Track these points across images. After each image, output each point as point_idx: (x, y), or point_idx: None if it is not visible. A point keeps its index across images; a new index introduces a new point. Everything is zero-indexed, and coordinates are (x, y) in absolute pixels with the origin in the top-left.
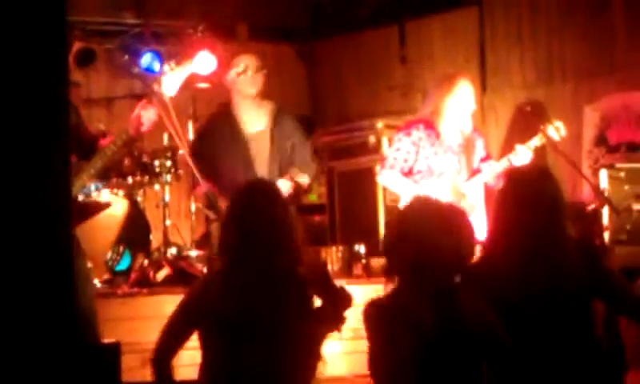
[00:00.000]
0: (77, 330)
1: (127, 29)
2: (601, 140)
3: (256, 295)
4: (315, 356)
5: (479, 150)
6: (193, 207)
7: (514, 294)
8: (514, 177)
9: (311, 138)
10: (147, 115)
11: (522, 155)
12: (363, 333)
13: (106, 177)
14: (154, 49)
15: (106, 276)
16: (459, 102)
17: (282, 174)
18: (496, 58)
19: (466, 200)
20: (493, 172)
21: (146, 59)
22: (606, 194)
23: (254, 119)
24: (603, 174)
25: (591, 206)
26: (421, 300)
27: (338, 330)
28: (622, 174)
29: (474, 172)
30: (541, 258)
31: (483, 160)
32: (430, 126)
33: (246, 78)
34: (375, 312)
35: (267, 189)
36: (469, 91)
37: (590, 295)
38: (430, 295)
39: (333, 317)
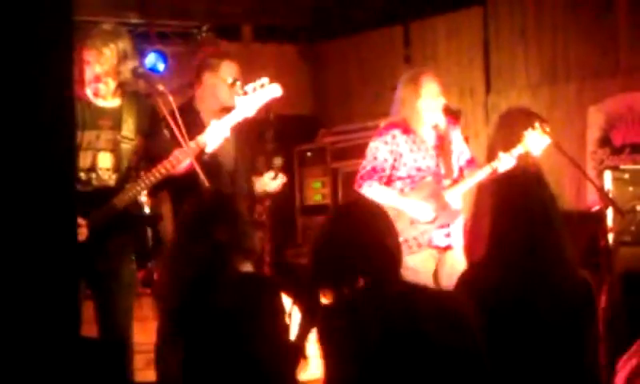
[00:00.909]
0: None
1: (131, 29)
2: (605, 141)
3: None
4: None
5: (457, 143)
6: None
7: (496, 305)
8: (501, 182)
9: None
10: (183, 160)
11: (505, 163)
12: None
13: None
14: (159, 49)
15: None
16: (429, 101)
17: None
18: (500, 58)
19: (449, 207)
20: (475, 180)
21: (151, 59)
22: (611, 196)
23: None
24: (607, 176)
25: (595, 208)
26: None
27: None
28: (627, 176)
29: (455, 180)
30: (530, 267)
31: (468, 163)
32: (406, 130)
33: (230, 90)
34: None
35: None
36: (435, 87)
37: (580, 319)
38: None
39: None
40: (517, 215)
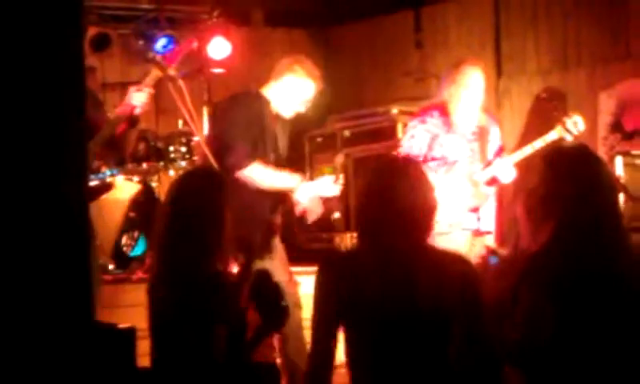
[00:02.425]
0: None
1: (142, 14)
2: (616, 126)
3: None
4: None
5: (494, 139)
6: None
7: (570, 287)
8: (556, 158)
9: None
10: (139, 98)
11: (538, 148)
12: None
13: (120, 162)
14: (169, 34)
15: (121, 261)
16: (469, 90)
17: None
18: (511, 43)
19: (480, 189)
20: (505, 165)
21: (161, 44)
22: (622, 181)
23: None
24: (619, 161)
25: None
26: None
27: None
28: (638, 161)
29: (488, 163)
30: (592, 244)
31: (497, 154)
32: (444, 113)
33: (293, 104)
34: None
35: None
36: (479, 79)
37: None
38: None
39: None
40: (588, 198)
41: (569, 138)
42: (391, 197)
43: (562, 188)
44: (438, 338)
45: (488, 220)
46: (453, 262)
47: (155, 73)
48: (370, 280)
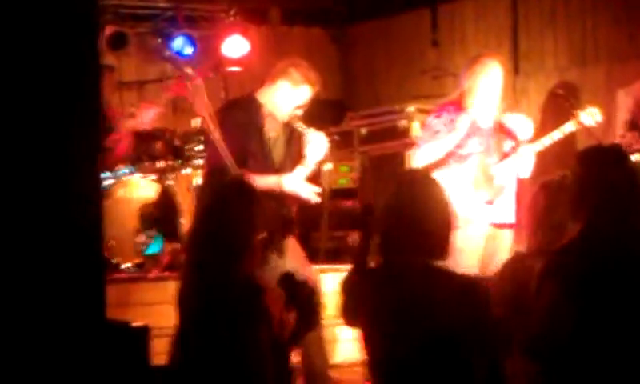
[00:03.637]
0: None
1: (159, 12)
2: (634, 124)
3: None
4: None
5: (512, 132)
6: None
7: (597, 283)
8: (591, 159)
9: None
10: (148, 116)
11: (556, 139)
12: None
13: (137, 160)
14: (186, 32)
15: (137, 260)
16: (489, 80)
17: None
18: (528, 41)
19: (494, 182)
20: (523, 155)
21: (178, 43)
22: None
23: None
24: (636, 159)
25: None
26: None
27: None
28: None
29: (505, 155)
30: (619, 245)
31: (513, 147)
32: (459, 107)
33: (289, 108)
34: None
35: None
36: (497, 72)
37: None
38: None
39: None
40: (617, 190)
41: (588, 126)
42: (409, 214)
43: (593, 188)
44: (448, 360)
45: (506, 212)
46: (466, 285)
47: (166, 96)
48: (384, 298)
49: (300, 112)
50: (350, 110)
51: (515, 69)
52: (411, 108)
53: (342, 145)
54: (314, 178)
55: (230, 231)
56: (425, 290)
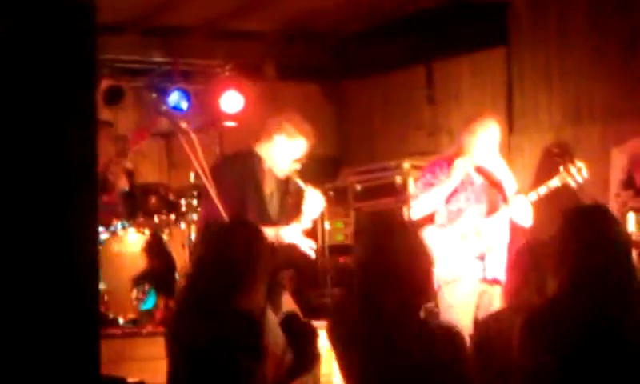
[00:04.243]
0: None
1: (155, 67)
2: (629, 183)
3: None
4: None
5: (502, 186)
6: None
7: (576, 339)
8: (572, 217)
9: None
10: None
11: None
12: None
13: (132, 215)
14: (182, 87)
15: (132, 315)
16: (485, 141)
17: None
18: (523, 98)
19: (484, 237)
20: (514, 207)
21: (174, 97)
22: (634, 238)
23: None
24: (631, 217)
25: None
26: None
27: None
28: None
29: (492, 210)
30: (608, 301)
31: (504, 200)
32: (451, 165)
33: (287, 163)
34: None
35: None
36: (494, 132)
37: None
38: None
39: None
40: (600, 249)
41: (573, 184)
42: (384, 260)
43: (575, 243)
44: None
45: (498, 268)
46: (443, 334)
47: (131, 150)
48: (358, 344)
49: (298, 166)
50: (345, 166)
51: (510, 127)
52: (406, 164)
53: (336, 201)
54: (311, 235)
55: (234, 263)
56: (407, 338)
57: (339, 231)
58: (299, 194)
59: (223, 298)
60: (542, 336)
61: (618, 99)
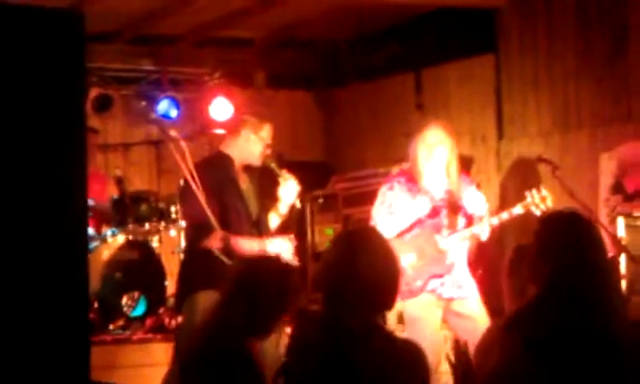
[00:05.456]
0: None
1: (144, 75)
2: (618, 188)
3: None
4: None
5: (467, 201)
6: None
7: (555, 339)
8: (547, 223)
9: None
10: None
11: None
12: None
13: (122, 222)
14: (171, 95)
15: (122, 322)
16: (426, 154)
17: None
18: (512, 105)
19: (444, 257)
20: (477, 230)
21: (163, 105)
22: (623, 243)
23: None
24: (620, 223)
25: (608, 255)
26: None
27: None
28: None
29: (454, 231)
30: (576, 305)
31: (466, 225)
32: (410, 178)
33: (261, 152)
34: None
35: None
36: (437, 142)
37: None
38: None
39: None
40: (575, 261)
41: (537, 213)
42: (349, 271)
43: (548, 252)
44: None
45: (456, 287)
46: (404, 348)
47: None
48: (317, 354)
49: (269, 151)
50: (335, 173)
51: (499, 133)
52: (395, 171)
53: (326, 208)
54: (299, 242)
55: (262, 301)
56: (368, 349)
57: (329, 238)
58: (274, 181)
59: (229, 336)
60: (520, 336)
61: (606, 105)
